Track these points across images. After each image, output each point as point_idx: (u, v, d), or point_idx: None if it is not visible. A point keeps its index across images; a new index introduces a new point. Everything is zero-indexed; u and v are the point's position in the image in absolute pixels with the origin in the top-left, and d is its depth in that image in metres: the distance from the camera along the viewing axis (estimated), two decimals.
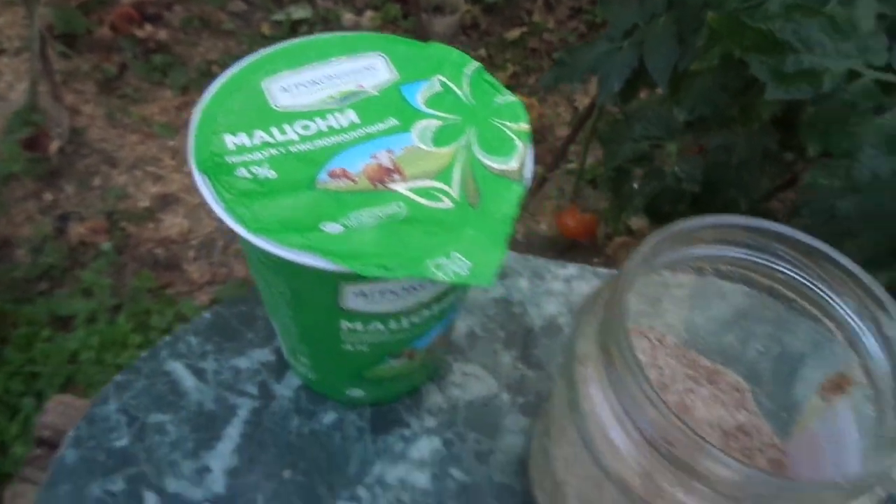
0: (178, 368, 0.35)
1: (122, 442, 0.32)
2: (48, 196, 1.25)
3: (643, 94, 0.98)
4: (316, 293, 0.26)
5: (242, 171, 0.25)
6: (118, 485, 0.31)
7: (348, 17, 1.52)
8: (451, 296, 0.28)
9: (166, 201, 1.28)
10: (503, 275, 0.40)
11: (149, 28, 1.44)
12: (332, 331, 0.28)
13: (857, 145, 0.52)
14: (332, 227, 0.23)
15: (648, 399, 0.21)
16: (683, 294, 0.30)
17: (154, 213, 1.26)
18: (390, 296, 0.26)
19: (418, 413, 0.35)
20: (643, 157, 0.91)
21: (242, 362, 0.35)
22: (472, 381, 0.36)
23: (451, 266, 0.23)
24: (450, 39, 1.56)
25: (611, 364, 0.23)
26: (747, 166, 0.77)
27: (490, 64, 1.53)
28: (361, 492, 0.32)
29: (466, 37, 1.59)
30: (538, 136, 1.36)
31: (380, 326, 0.27)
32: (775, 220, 0.26)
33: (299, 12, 1.50)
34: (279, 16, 1.51)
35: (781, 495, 0.21)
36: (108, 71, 1.40)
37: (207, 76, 1.42)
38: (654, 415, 0.22)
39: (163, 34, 1.44)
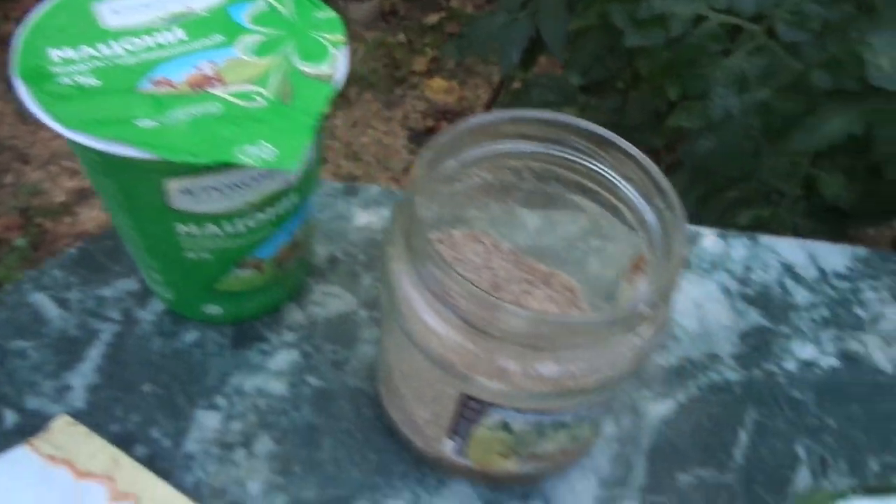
0: (41, 299, 0.36)
1: None
2: None
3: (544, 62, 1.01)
4: (143, 192, 0.27)
5: (65, 80, 0.26)
6: None
7: None
8: (284, 201, 0.30)
9: (83, 195, 1.26)
10: (368, 204, 0.42)
11: None
12: (171, 237, 0.29)
13: (709, 86, 0.56)
14: (146, 123, 0.25)
15: (441, 270, 0.24)
16: (506, 197, 0.33)
17: (70, 207, 1.24)
18: (215, 193, 0.28)
19: (278, 329, 0.37)
20: None
21: (107, 292, 0.37)
22: (331, 300, 0.38)
23: (258, 152, 0.25)
24: (368, 26, 1.58)
25: (412, 253, 0.25)
26: (639, 127, 0.81)
27: (409, 49, 1.56)
28: (219, 400, 0.34)
29: (385, 23, 1.61)
30: (459, 119, 1.39)
31: (214, 229, 0.29)
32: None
33: None
34: None
35: (569, 331, 0.24)
36: None
37: None
38: (446, 281, 0.24)
39: None
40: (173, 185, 0.27)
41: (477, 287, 0.23)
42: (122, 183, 0.27)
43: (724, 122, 0.58)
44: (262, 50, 0.29)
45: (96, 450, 0.31)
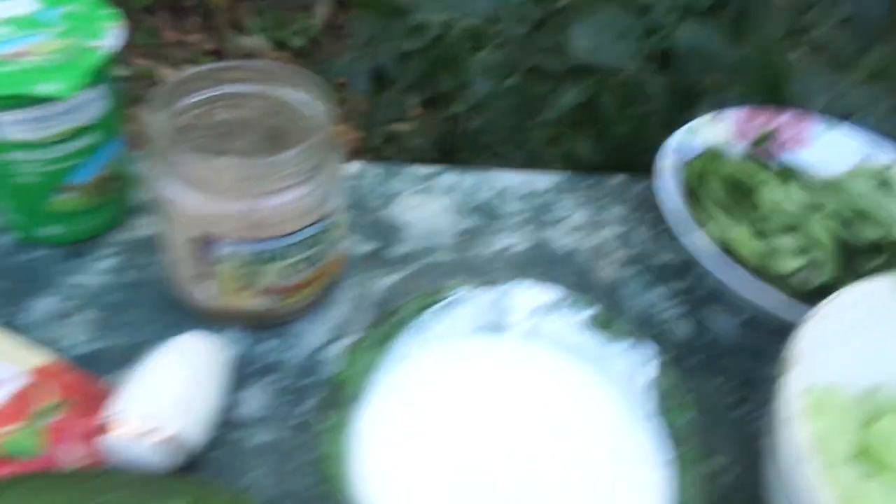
0: None
1: None
2: None
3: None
4: None
5: None
6: None
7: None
8: (88, 136, 0.44)
9: None
10: None
11: None
12: (3, 163, 0.43)
13: (469, 76, 0.73)
14: None
15: (169, 151, 0.38)
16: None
17: None
18: (29, 125, 0.42)
19: (103, 245, 0.50)
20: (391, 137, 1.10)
21: None
22: (147, 226, 0.52)
23: (48, 88, 0.40)
24: None
25: (157, 156, 0.39)
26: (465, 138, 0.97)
27: None
28: (54, 292, 0.47)
29: None
30: None
31: (37, 155, 0.43)
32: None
33: None
34: None
35: (245, 170, 0.38)
36: None
37: None
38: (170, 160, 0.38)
39: None
40: (4, 118, 0.41)
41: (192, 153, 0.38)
42: None
43: (486, 104, 0.74)
44: (62, 34, 0.43)
45: None
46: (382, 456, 0.36)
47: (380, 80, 1.11)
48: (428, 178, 0.60)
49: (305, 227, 0.41)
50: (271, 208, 0.39)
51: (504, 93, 0.73)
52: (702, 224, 0.50)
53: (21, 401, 0.40)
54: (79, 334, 0.45)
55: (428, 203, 0.57)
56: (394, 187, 0.58)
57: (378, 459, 0.36)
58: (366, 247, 0.53)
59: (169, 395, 0.37)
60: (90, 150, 0.45)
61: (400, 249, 0.53)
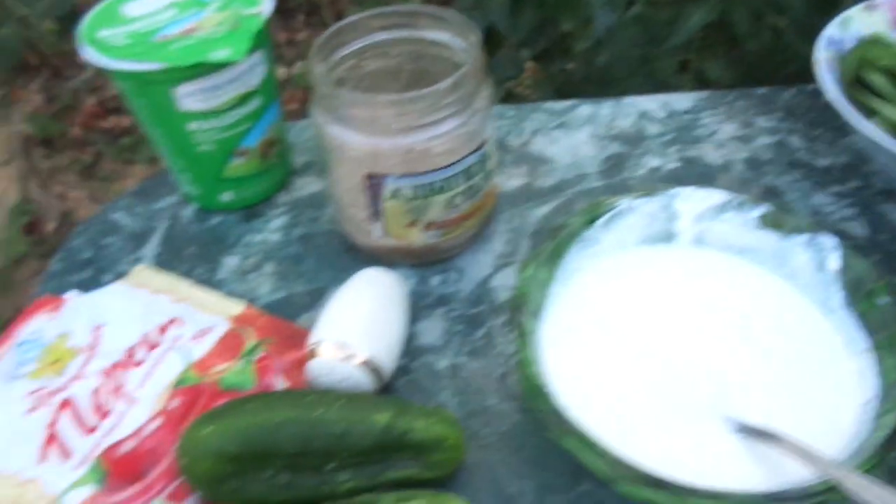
0: (117, 216, 0.54)
1: (87, 255, 0.51)
2: None
3: None
4: (162, 101, 0.45)
5: (110, 41, 0.45)
6: (87, 275, 0.50)
7: None
8: (253, 100, 0.48)
9: None
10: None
11: (113, 119, 1.68)
12: (185, 135, 0.47)
13: (591, 10, 0.72)
14: (156, 53, 0.43)
15: (334, 96, 0.40)
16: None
17: None
18: (206, 94, 0.45)
19: (273, 206, 0.54)
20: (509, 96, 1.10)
21: (159, 205, 0.55)
22: (307, 186, 0.55)
23: (219, 55, 0.43)
24: None
25: (321, 100, 0.42)
26: (587, 82, 0.95)
27: None
28: (238, 251, 0.51)
29: None
30: None
31: (212, 123, 0.47)
32: None
33: None
34: None
35: (410, 102, 0.40)
36: (84, 161, 1.63)
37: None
38: (339, 102, 0.40)
39: (125, 121, 1.69)
40: (180, 91, 0.45)
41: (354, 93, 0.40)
42: (149, 98, 0.45)
43: (609, 38, 0.73)
44: (222, 7, 0.47)
45: (162, 278, 0.48)
46: (568, 363, 0.37)
47: (491, 39, 1.11)
48: (564, 112, 0.60)
49: (465, 156, 0.43)
50: (431, 140, 0.41)
51: (628, 23, 0.72)
52: (866, 117, 0.47)
53: (227, 344, 0.43)
54: (262, 286, 0.48)
55: (568, 135, 0.57)
56: (532, 125, 0.58)
57: (564, 367, 0.37)
58: (515, 181, 0.54)
59: (362, 323, 0.40)
60: (256, 115, 0.49)
61: (548, 181, 0.54)
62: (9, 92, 1.67)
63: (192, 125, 0.47)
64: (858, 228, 0.48)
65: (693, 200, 0.42)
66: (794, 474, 0.31)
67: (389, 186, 0.43)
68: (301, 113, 0.51)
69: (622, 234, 0.42)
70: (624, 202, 0.41)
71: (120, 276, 0.49)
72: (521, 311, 0.36)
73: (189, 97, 0.45)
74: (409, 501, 0.32)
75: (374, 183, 0.43)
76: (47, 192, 1.54)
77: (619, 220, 0.42)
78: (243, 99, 0.47)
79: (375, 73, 0.47)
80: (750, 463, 0.33)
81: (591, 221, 0.41)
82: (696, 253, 0.42)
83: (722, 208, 0.41)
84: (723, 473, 0.32)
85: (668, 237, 0.42)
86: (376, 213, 0.45)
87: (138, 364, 0.43)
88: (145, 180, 0.57)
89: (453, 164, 0.42)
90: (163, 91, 0.45)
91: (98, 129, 1.68)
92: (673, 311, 0.39)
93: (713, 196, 0.41)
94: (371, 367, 0.39)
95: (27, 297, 1.43)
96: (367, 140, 0.41)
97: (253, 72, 0.47)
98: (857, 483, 0.28)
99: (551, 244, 0.39)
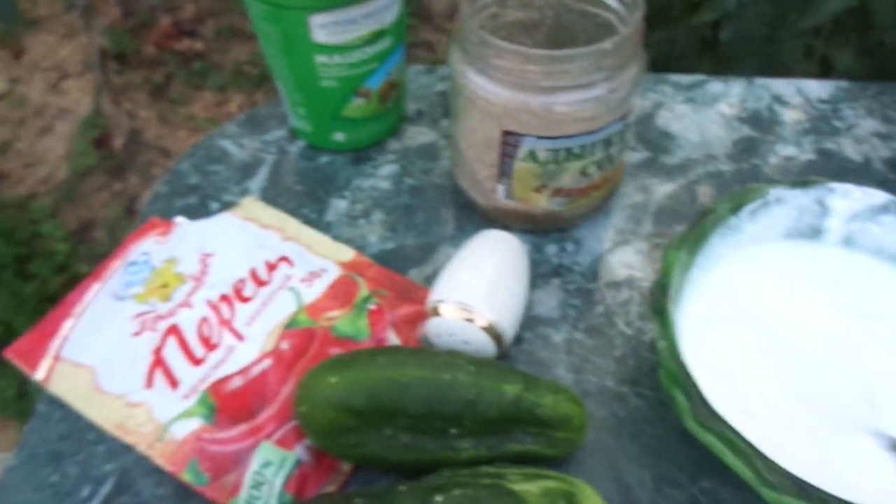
0: (225, 144, 0.53)
1: (194, 180, 0.50)
2: (118, 185, 1.48)
3: None
4: (295, 30, 0.43)
5: None
6: (194, 200, 0.49)
7: None
8: (384, 40, 0.45)
9: None
10: (443, 78, 0.57)
11: (186, 41, 1.67)
12: (312, 67, 0.45)
13: None
14: None
15: (482, 43, 0.38)
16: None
17: None
18: (339, 28, 0.43)
19: (383, 153, 0.52)
20: None
21: (267, 137, 0.53)
22: (419, 135, 0.53)
23: None
24: (450, 18, 1.75)
25: (464, 45, 0.40)
26: (686, 53, 0.92)
27: None
28: (346, 193, 0.49)
29: None
30: None
31: (339, 59, 0.45)
32: None
33: None
34: None
35: (558, 61, 0.37)
36: (155, 81, 1.63)
37: (240, 76, 1.64)
38: (485, 50, 0.38)
39: (199, 45, 1.67)
40: (315, 21, 0.43)
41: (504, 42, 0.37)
42: (282, 24, 0.43)
43: (739, 12, 0.69)
44: None
45: (271, 214, 0.47)
46: (706, 355, 0.35)
47: None
48: (691, 87, 0.56)
49: (608, 124, 0.40)
50: (580, 103, 0.39)
51: (760, 0, 0.67)
52: None
53: (339, 290, 0.42)
54: (371, 234, 0.47)
55: (696, 112, 0.54)
56: (655, 97, 0.55)
57: (702, 358, 0.35)
58: (638, 155, 0.51)
59: (486, 286, 0.38)
60: (384, 55, 0.46)
61: (673, 159, 0.51)
62: (90, 2, 1.66)
63: (321, 58, 0.45)
64: None
65: (851, 198, 0.39)
66: None
67: (525, 147, 0.41)
68: (411, 59, 0.49)
69: (768, 226, 0.39)
70: (775, 192, 0.39)
71: (226, 205, 0.48)
72: (664, 295, 0.34)
73: (322, 28, 0.43)
74: (538, 481, 0.30)
75: (509, 141, 0.41)
76: (118, 108, 1.55)
77: (767, 210, 0.39)
78: (375, 37, 0.45)
79: (514, 25, 0.44)
80: None
81: (738, 209, 0.38)
82: (844, 254, 0.39)
83: (881, 210, 0.39)
84: (876, 493, 0.30)
85: (814, 234, 0.40)
86: (504, 173, 0.43)
87: (246, 300, 0.42)
88: (253, 110, 0.55)
89: (596, 131, 0.40)
90: (299, 19, 0.43)
91: (171, 50, 1.67)
92: (819, 313, 0.37)
93: (874, 196, 0.39)
94: (493, 332, 0.37)
95: (92, 208, 1.44)
96: (512, 95, 0.39)
97: (388, 9, 0.45)
98: None
99: (695, 228, 0.37)
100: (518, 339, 0.41)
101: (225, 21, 1.73)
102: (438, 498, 0.29)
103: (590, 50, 0.37)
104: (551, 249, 0.46)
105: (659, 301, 0.34)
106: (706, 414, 0.30)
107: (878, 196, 0.38)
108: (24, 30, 1.70)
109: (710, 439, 0.31)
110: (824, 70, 0.73)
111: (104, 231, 1.40)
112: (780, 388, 0.34)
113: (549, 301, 0.43)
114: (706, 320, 0.36)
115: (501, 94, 0.39)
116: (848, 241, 0.40)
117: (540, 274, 0.44)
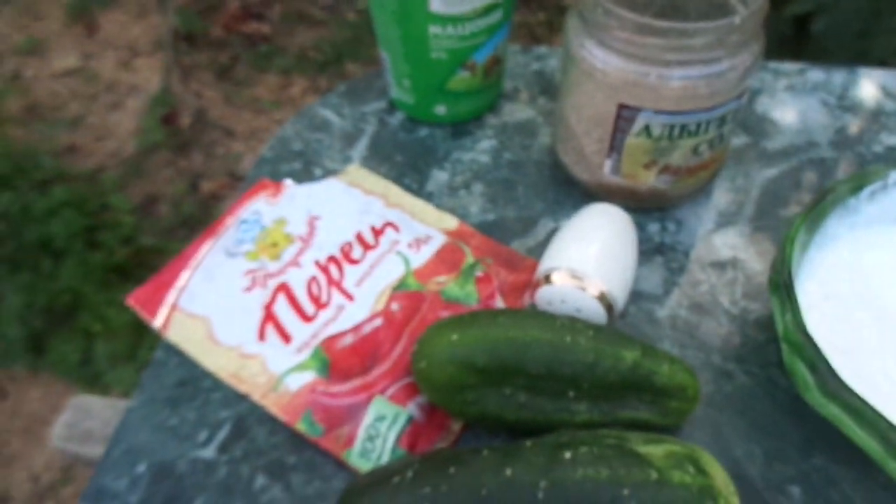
0: (326, 113, 0.54)
1: (298, 147, 0.52)
2: (183, 162, 1.51)
3: None
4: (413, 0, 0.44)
5: None
6: (298, 166, 0.50)
7: None
8: (494, 13, 0.46)
9: None
10: (539, 57, 0.57)
11: (253, 25, 1.70)
12: (424, 38, 0.46)
13: None
14: None
15: (603, 10, 0.38)
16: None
17: None
18: None
19: (482, 127, 0.52)
20: None
21: (367, 108, 0.54)
22: (517, 112, 0.53)
23: None
24: None
25: (583, 14, 0.40)
26: (781, 44, 0.90)
27: (549, 27, 1.71)
28: (446, 165, 0.50)
29: (525, 6, 1.77)
30: None
31: (452, 31, 0.45)
32: None
33: None
34: (363, 4, 1.75)
35: (679, 34, 0.38)
36: (222, 62, 1.66)
37: (304, 60, 1.67)
38: (605, 19, 0.38)
39: (265, 28, 1.70)
40: None
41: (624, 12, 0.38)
42: None
43: (834, 4, 0.68)
44: None
45: (375, 181, 0.48)
46: (826, 332, 0.35)
47: None
48: (792, 74, 0.56)
49: (726, 102, 0.40)
50: (702, 79, 0.39)
51: None
52: None
53: (446, 256, 0.43)
54: (473, 205, 0.47)
55: (797, 99, 0.54)
56: (756, 83, 0.55)
57: (821, 335, 0.35)
58: (740, 139, 0.51)
59: (598, 255, 0.38)
60: (493, 29, 0.47)
61: (775, 144, 0.51)
62: None
63: (434, 29, 0.45)
64: None
65: None
66: None
67: (641, 121, 0.41)
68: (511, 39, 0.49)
69: (887, 209, 0.39)
70: (895, 174, 0.38)
71: (329, 171, 0.50)
72: (786, 270, 0.34)
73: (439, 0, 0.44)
74: (662, 444, 0.31)
75: (624, 115, 0.41)
76: (186, 87, 1.58)
77: (885, 192, 0.39)
78: (488, 9, 0.45)
79: (624, 1, 0.45)
80: None
81: (858, 190, 0.38)
82: None
83: None
84: None
85: None
86: (615, 148, 0.43)
87: (355, 262, 0.43)
88: (351, 81, 0.56)
89: (714, 108, 0.40)
90: None
91: (238, 32, 1.70)
92: None
93: None
94: (605, 300, 0.38)
95: (156, 184, 1.47)
96: (632, 67, 0.39)
97: None
98: None
99: (815, 208, 0.37)
100: (622, 313, 0.41)
101: (292, 6, 1.76)
102: (567, 454, 0.29)
103: (716, 25, 0.37)
104: (653, 228, 0.46)
105: (781, 275, 0.34)
106: (835, 385, 0.30)
107: None
108: (99, 7, 1.74)
109: (833, 411, 0.31)
110: None
111: (168, 206, 1.44)
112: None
113: (653, 278, 0.43)
114: (825, 297, 0.36)
115: (621, 66, 0.39)
116: None
117: (643, 251, 0.44)
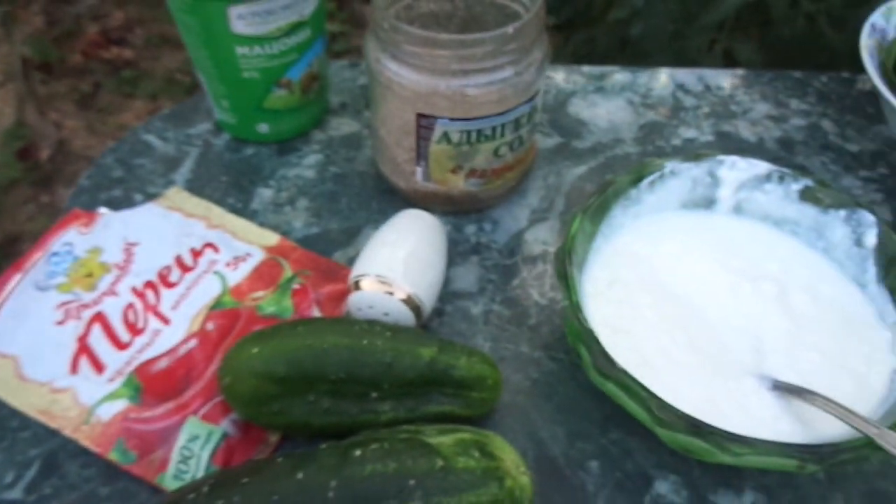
0: (149, 138, 0.53)
1: (118, 173, 0.51)
2: (45, 198, 1.44)
3: None
4: (214, 21, 0.44)
5: None
6: (118, 193, 0.49)
7: None
8: (301, 31, 0.47)
9: None
10: (365, 71, 0.59)
11: (115, 50, 1.64)
12: (233, 58, 0.46)
13: None
14: None
15: (393, 30, 0.40)
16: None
17: None
18: (257, 19, 0.45)
19: (308, 143, 0.53)
20: None
21: (193, 130, 0.54)
22: (343, 126, 0.55)
23: None
24: None
25: (377, 33, 0.41)
26: (608, 53, 0.96)
27: None
28: (272, 183, 0.51)
29: None
30: None
31: (259, 50, 0.46)
32: None
33: None
34: None
35: (462, 44, 0.40)
36: (83, 90, 1.59)
37: (173, 83, 1.63)
38: (396, 37, 0.40)
39: (128, 53, 1.65)
40: (233, 12, 0.44)
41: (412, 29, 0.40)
42: (201, 16, 0.44)
43: (648, 9, 0.73)
44: None
45: (196, 203, 0.48)
46: (609, 315, 0.38)
47: None
48: (601, 77, 0.60)
49: (516, 106, 0.43)
50: (488, 86, 0.41)
51: None
52: None
53: (264, 272, 0.44)
54: (296, 220, 0.48)
55: (605, 100, 0.57)
56: (569, 87, 0.59)
57: (605, 318, 0.37)
58: (551, 140, 0.54)
59: (404, 261, 0.40)
60: (303, 47, 0.48)
61: (584, 143, 0.54)
62: (11, 10, 1.62)
63: (241, 49, 0.46)
64: (885, 213, 0.49)
65: (737, 169, 0.42)
66: (826, 431, 0.33)
67: (439, 129, 0.43)
68: (336, 55, 0.51)
69: (665, 197, 0.42)
70: (670, 165, 0.42)
71: (151, 197, 0.49)
72: (567, 260, 0.37)
73: (242, 20, 0.44)
74: (453, 434, 0.32)
75: (423, 124, 0.43)
76: (43, 118, 1.51)
77: (663, 182, 0.42)
78: (294, 28, 0.46)
79: (428, 16, 0.47)
80: (785, 419, 0.34)
81: (638, 181, 0.41)
82: (735, 221, 0.43)
83: (765, 179, 0.42)
84: (759, 427, 0.33)
85: (708, 203, 0.43)
86: (421, 156, 0.45)
87: (172, 285, 0.43)
88: (178, 105, 0.56)
89: (505, 112, 0.43)
90: (217, 10, 0.44)
91: (99, 58, 1.64)
92: (711, 275, 0.40)
93: (757, 166, 0.42)
94: (412, 303, 0.39)
95: (17, 221, 1.40)
96: (423, 79, 0.41)
97: (306, 1, 0.46)
98: (893, 439, 0.29)
99: (597, 199, 0.40)
100: (439, 313, 0.43)
101: (155, 29, 1.71)
102: (357, 452, 0.31)
103: (493, 34, 0.40)
104: (470, 229, 0.48)
105: (562, 265, 0.36)
106: (604, 363, 0.33)
107: (761, 166, 0.42)
108: None
109: (610, 388, 0.34)
110: (729, 63, 0.77)
111: (31, 244, 1.36)
112: (675, 342, 0.37)
113: (468, 277, 0.45)
114: (609, 283, 0.39)
115: (414, 78, 0.41)
116: (738, 209, 0.43)
117: (459, 252, 0.46)
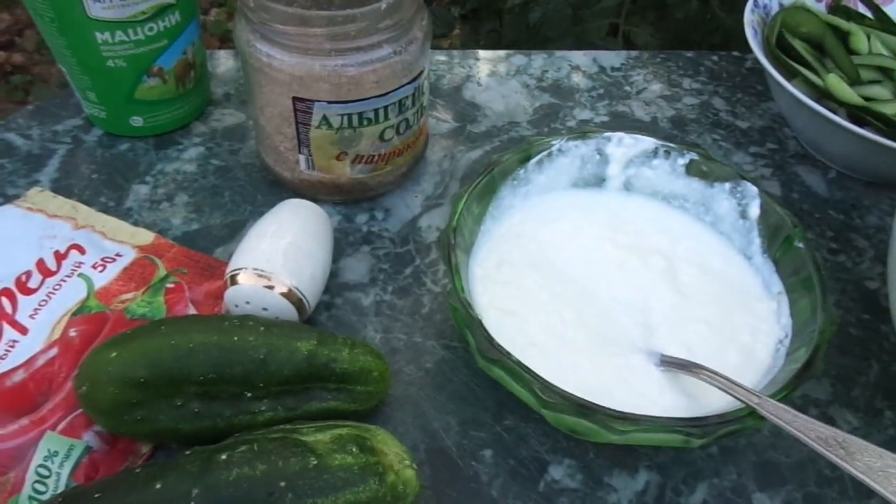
0: (10, 136, 0.49)
1: None
2: None
3: None
4: (68, 5, 0.41)
5: None
6: None
7: None
8: (170, 15, 0.44)
9: None
10: None
11: (2, 54, 1.55)
12: (93, 46, 0.43)
13: None
14: None
15: (263, 10, 0.38)
16: None
17: None
18: (114, 1, 0.41)
19: (188, 136, 0.50)
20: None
21: (60, 127, 0.50)
22: (227, 117, 0.52)
23: None
24: None
25: (246, 14, 0.39)
26: (515, 42, 0.95)
27: None
28: (148, 179, 0.47)
29: None
30: None
31: (122, 36, 0.43)
32: None
33: None
34: None
35: (340, 20, 0.38)
36: None
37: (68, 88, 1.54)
38: (265, 15, 0.38)
39: (18, 57, 1.56)
40: None
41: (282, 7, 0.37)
42: (53, 2, 0.41)
43: None
44: None
45: (61, 203, 0.44)
46: (498, 297, 0.36)
47: None
48: (496, 61, 0.59)
49: (399, 87, 0.41)
50: (364, 66, 0.39)
51: None
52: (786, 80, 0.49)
53: (134, 273, 0.40)
54: (175, 217, 0.45)
55: (500, 84, 0.57)
56: (463, 71, 0.57)
57: (494, 300, 0.36)
58: (445, 125, 0.52)
59: (284, 252, 0.38)
60: (173, 32, 0.45)
61: (479, 127, 0.53)
62: None
63: (101, 36, 0.43)
64: (773, 187, 0.50)
65: (624, 145, 0.42)
66: (713, 403, 0.32)
67: (318, 113, 0.41)
68: (219, 46, 0.48)
69: (555, 176, 0.42)
70: (557, 143, 0.41)
71: (11, 199, 0.45)
72: (452, 243, 0.35)
73: (98, 2, 0.41)
74: (331, 430, 0.30)
75: (301, 108, 0.41)
76: None
77: (552, 161, 0.41)
78: (160, 12, 0.43)
79: None
80: (672, 393, 0.33)
81: (525, 160, 0.40)
82: (624, 198, 0.42)
83: (652, 154, 0.42)
84: (646, 404, 0.32)
85: (599, 181, 0.43)
86: (303, 143, 0.42)
87: (31, 292, 0.39)
88: (43, 101, 0.52)
89: (386, 94, 0.41)
90: None
91: None
92: (600, 252, 0.39)
93: (643, 142, 0.42)
94: (294, 297, 0.37)
95: None
96: (297, 60, 0.39)
97: None
98: (773, 408, 0.29)
99: (483, 179, 0.39)
100: (327, 306, 0.41)
101: None
102: (223, 456, 0.28)
103: (365, 10, 0.38)
104: (361, 218, 0.46)
105: (446, 248, 0.35)
106: (488, 347, 0.31)
107: (647, 141, 0.42)
108: None
109: (497, 372, 0.32)
110: (629, 47, 0.78)
111: None
112: (564, 321, 0.36)
113: (359, 267, 0.43)
114: (498, 265, 0.38)
115: (288, 60, 0.39)
116: (628, 186, 0.43)
117: (350, 242, 0.44)
